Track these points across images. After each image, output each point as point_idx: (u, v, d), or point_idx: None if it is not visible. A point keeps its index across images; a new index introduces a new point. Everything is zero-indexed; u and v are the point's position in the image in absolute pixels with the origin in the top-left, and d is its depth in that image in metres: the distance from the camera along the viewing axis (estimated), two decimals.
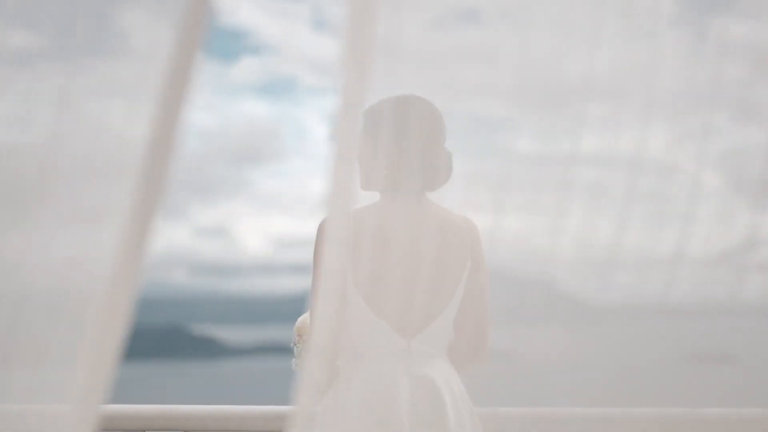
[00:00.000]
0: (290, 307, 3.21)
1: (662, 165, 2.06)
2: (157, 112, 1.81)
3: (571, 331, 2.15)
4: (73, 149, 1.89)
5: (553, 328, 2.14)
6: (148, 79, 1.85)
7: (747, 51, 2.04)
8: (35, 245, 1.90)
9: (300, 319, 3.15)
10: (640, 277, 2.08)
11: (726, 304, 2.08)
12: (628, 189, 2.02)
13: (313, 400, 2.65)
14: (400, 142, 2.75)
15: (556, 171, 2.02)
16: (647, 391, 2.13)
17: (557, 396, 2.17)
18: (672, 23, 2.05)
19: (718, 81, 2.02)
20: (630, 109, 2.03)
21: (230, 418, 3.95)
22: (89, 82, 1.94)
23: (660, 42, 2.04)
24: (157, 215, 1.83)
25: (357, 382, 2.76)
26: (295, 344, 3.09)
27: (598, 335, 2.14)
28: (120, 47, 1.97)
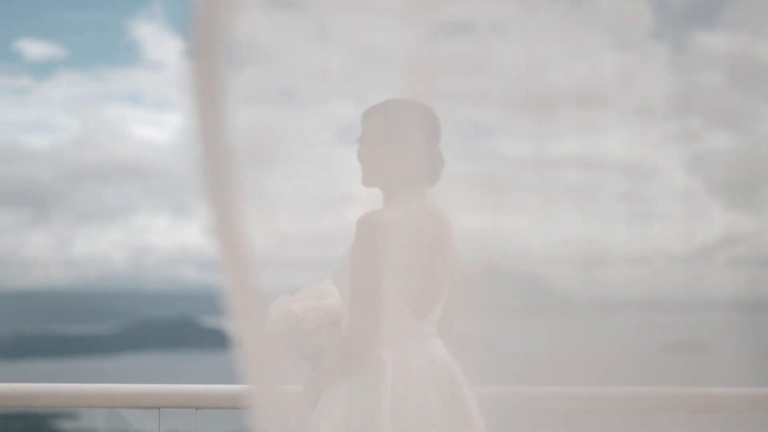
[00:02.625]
0: None
1: (642, 167, 2.05)
2: None
3: (555, 324, 2.15)
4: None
5: (537, 321, 2.14)
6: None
7: (721, 61, 2.04)
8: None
9: (286, 305, 3.03)
10: (620, 273, 2.08)
11: (700, 298, 2.08)
12: (610, 190, 2.02)
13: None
14: (419, 142, 2.89)
15: (543, 173, 2.01)
16: (625, 375, 2.13)
17: (539, 380, 2.17)
18: (652, 35, 2.05)
19: (694, 89, 2.02)
20: (612, 114, 2.02)
21: (238, 396, 3.98)
22: None
23: (641, 52, 2.04)
24: None
25: (385, 360, 2.84)
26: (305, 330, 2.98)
27: (580, 327, 2.14)
28: None
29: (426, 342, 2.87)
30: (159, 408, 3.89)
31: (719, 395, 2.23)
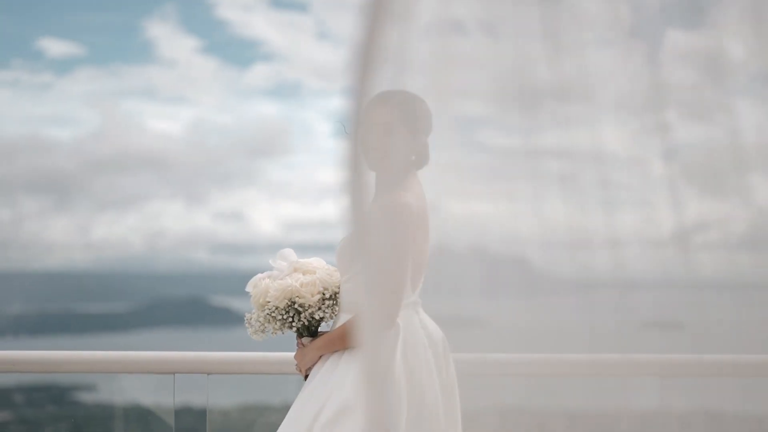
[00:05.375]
0: None
1: (621, 157, 2.05)
2: None
3: (540, 303, 2.15)
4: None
5: (524, 301, 2.13)
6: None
7: (695, 58, 2.03)
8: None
9: (273, 284, 3.01)
10: (601, 255, 2.08)
11: (676, 279, 2.08)
12: (591, 178, 2.02)
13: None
14: (424, 131, 2.98)
15: (530, 162, 2.01)
16: (603, 347, 2.14)
17: (524, 349, 2.17)
18: (630, 33, 2.04)
19: (670, 84, 2.02)
20: (593, 108, 2.02)
21: (246, 362, 4.01)
22: None
23: (620, 49, 2.03)
24: None
25: (400, 325, 2.91)
26: (283, 310, 2.96)
27: (563, 306, 2.14)
28: None
29: (419, 311, 2.96)
30: (174, 373, 3.95)
31: (686, 362, 2.24)
